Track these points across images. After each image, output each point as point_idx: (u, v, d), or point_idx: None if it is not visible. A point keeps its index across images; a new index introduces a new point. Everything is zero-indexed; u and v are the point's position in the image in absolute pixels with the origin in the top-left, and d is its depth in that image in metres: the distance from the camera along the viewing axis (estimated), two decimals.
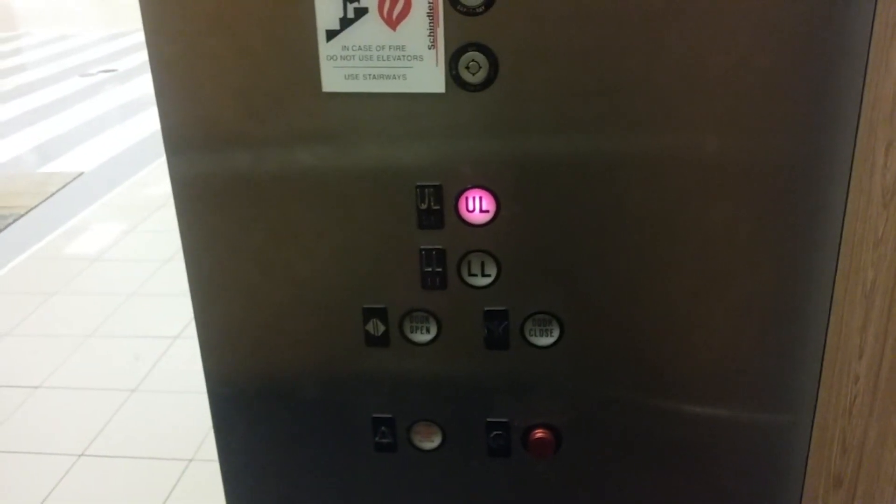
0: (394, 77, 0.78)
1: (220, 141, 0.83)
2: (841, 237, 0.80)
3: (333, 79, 0.79)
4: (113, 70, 6.75)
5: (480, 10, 0.75)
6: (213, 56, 0.79)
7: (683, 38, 0.74)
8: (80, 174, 4.06)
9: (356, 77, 0.78)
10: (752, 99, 0.76)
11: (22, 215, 3.51)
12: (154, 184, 3.87)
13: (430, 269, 0.85)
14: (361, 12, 0.76)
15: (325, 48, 0.78)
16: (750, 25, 0.73)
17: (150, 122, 4.90)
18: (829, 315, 0.83)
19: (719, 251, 0.82)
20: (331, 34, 0.77)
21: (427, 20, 0.75)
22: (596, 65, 0.76)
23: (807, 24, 0.73)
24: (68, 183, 3.92)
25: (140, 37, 8.19)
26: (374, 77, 0.78)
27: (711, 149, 0.78)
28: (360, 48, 0.77)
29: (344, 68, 0.78)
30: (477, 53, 0.76)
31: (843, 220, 0.80)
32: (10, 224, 3.41)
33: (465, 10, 0.75)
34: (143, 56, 7.31)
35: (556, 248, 0.84)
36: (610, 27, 0.74)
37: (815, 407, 0.88)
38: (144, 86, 6.03)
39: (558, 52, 0.76)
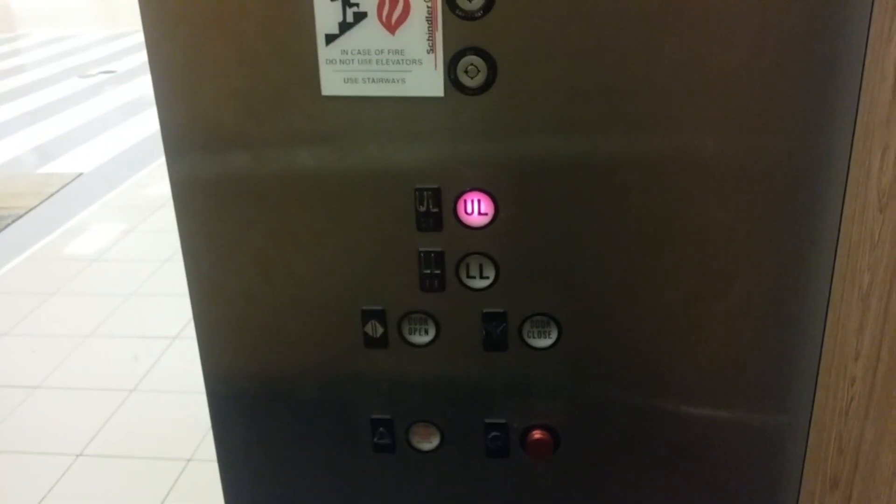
0: (393, 81, 0.78)
1: (220, 142, 0.83)
2: (838, 239, 0.81)
3: (333, 82, 0.79)
4: (112, 71, 6.75)
5: (479, 14, 0.75)
6: (213, 58, 0.80)
7: (682, 40, 0.75)
8: (80, 175, 4.06)
9: (355, 81, 0.78)
10: (750, 101, 0.76)
11: (21, 216, 3.51)
12: (153, 184, 3.87)
13: (428, 271, 0.85)
14: (360, 16, 0.76)
15: (324, 52, 0.78)
16: (748, 28, 0.74)
17: (148, 123, 4.90)
18: (826, 317, 0.84)
19: (717, 253, 0.83)
20: (330, 38, 0.77)
21: (426, 24, 0.76)
22: (594, 67, 0.76)
23: (804, 28, 0.74)
24: (68, 183, 3.92)
25: (139, 38, 8.19)
26: (373, 81, 0.78)
27: (710, 150, 0.79)
28: (359, 52, 0.77)
29: (343, 72, 0.78)
30: (475, 57, 0.76)
31: (840, 222, 0.80)
32: (9, 225, 3.41)
33: (463, 14, 0.75)
34: (141, 57, 7.31)
35: (554, 250, 0.84)
36: (609, 29, 0.75)
37: (812, 408, 0.88)
38: (143, 87, 6.02)
39: (557, 55, 0.76)
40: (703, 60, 0.75)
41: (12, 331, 2.55)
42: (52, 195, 3.76)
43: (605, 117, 0.78)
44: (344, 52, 0.78)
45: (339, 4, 0.76)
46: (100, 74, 6.63)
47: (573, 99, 0.78)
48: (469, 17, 0.75)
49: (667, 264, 0.83)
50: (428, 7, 0.75)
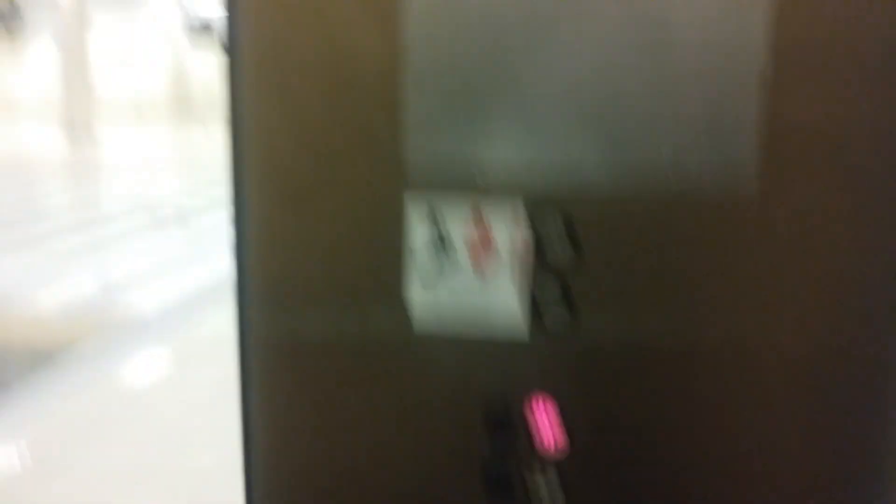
0: (476, 319, 0.83)
1: (300, 308, 0.86)
2: None
3: (422, 317, 0.83)
4: (181, 214, 7.05)
5: (566, 265, 0.80)
6: (301, 242, 0.84)
7: (764, 257, 0.77)
8: (141, 313, 4.19)
9: (444, 319, 0.83)
10: (829, 309, 0.78)
11: (79, 349, 3.60)
12: (211, 327, 3.95)
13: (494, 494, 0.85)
14: (453, 261, 0.82)
15: (417, 294, 0.83)
16: (828, 248, 0.76)
17: (212, 270, 5.05)
18: None
19: (791, 464, 0.82)
20: (424, 280, 0.82)
21: (514, 272, 0.81)
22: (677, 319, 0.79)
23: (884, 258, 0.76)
24: (127, 320, 4.04)
25: (215, 189, 8.53)
26: (461, 319, 0.82)
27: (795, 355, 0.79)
28: (448, 293, 0.82)
29: (431, 309, 0.83)
30: (560, 307, 0.81)
31: None
32: (65, 358, 3.50)
33: (551, 264, 0.80)
34: (211, 206, 7.63)
35: (626, 485, 0.84)
36: (690, 262, 0.78)
37: None
38: (212, 231, 6.25)
39: (637, 301, 0.80)
40: (783, 273, 0.77)
41: (63, 465, 2.56)
42: (110, 330, 3.87)
43: (684, 351, 0.80)
44: (432, 287, 0.83)
45: (431, 247, 0.82)
46: (168, 215, 6.94)
47: (652, 343, 0.80)
48: (556, 268, 0.80)
49: (747, 480, 0.82)
50: (518, 256, 0.81)
